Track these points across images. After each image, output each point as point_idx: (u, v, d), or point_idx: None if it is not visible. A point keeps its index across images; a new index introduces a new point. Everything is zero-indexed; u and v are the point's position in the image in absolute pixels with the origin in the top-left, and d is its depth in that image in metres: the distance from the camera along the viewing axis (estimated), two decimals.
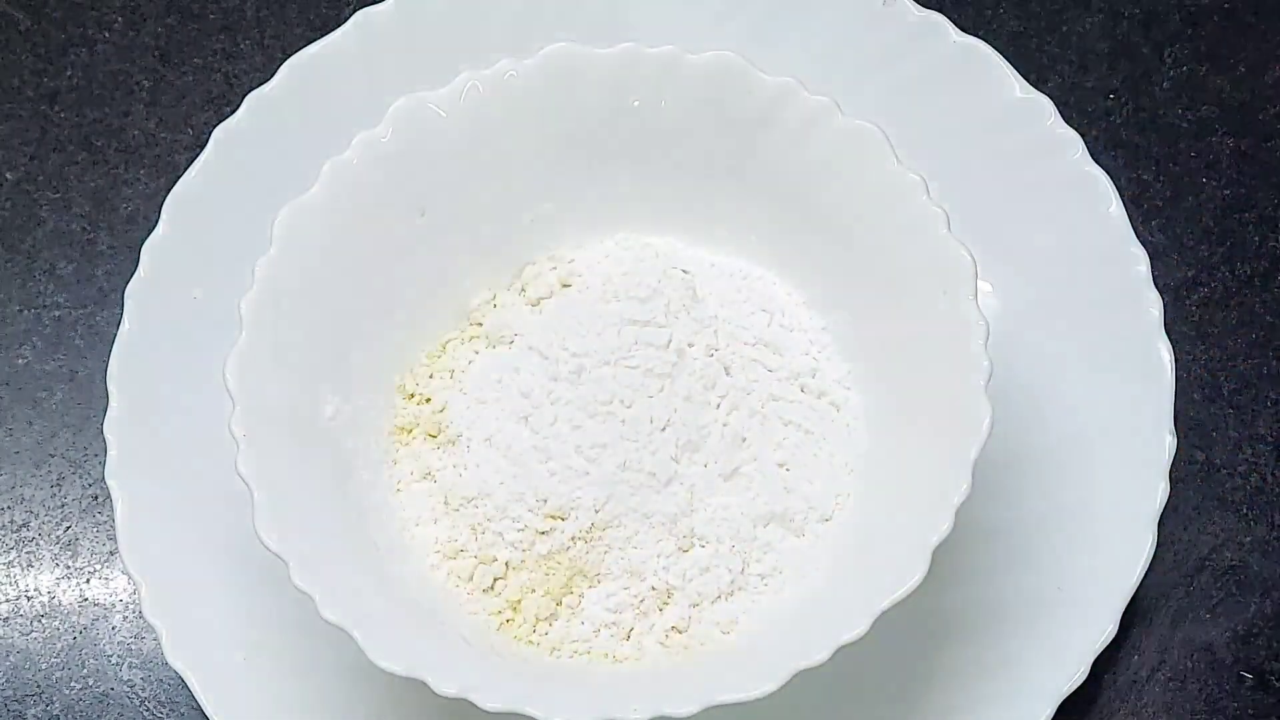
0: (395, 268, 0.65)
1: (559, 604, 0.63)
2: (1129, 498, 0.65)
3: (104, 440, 0.66)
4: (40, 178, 0.77)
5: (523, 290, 0.68)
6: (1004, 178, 0.69)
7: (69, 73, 0.79)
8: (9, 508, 0.72)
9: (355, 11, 0.71)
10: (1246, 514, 0.70)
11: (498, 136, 0.64)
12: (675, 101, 0.64)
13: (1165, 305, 0.66)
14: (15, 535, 0.72)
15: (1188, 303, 0.73)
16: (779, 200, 0.65)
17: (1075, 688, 0.63)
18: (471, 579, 0.63)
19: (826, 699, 0.64)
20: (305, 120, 0.70)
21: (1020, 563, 0.65)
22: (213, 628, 0.65)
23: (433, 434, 0.66)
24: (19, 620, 0.71)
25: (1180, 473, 0.70)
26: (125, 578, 0.71)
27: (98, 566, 0.71)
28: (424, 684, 0.55)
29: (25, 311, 0.75)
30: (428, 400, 0.66)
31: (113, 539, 0.69)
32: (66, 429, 0.73)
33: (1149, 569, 0.64)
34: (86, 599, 0.71)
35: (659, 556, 0.63)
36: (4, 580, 0.71)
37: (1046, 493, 0.66)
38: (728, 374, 0.65)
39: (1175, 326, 0.71)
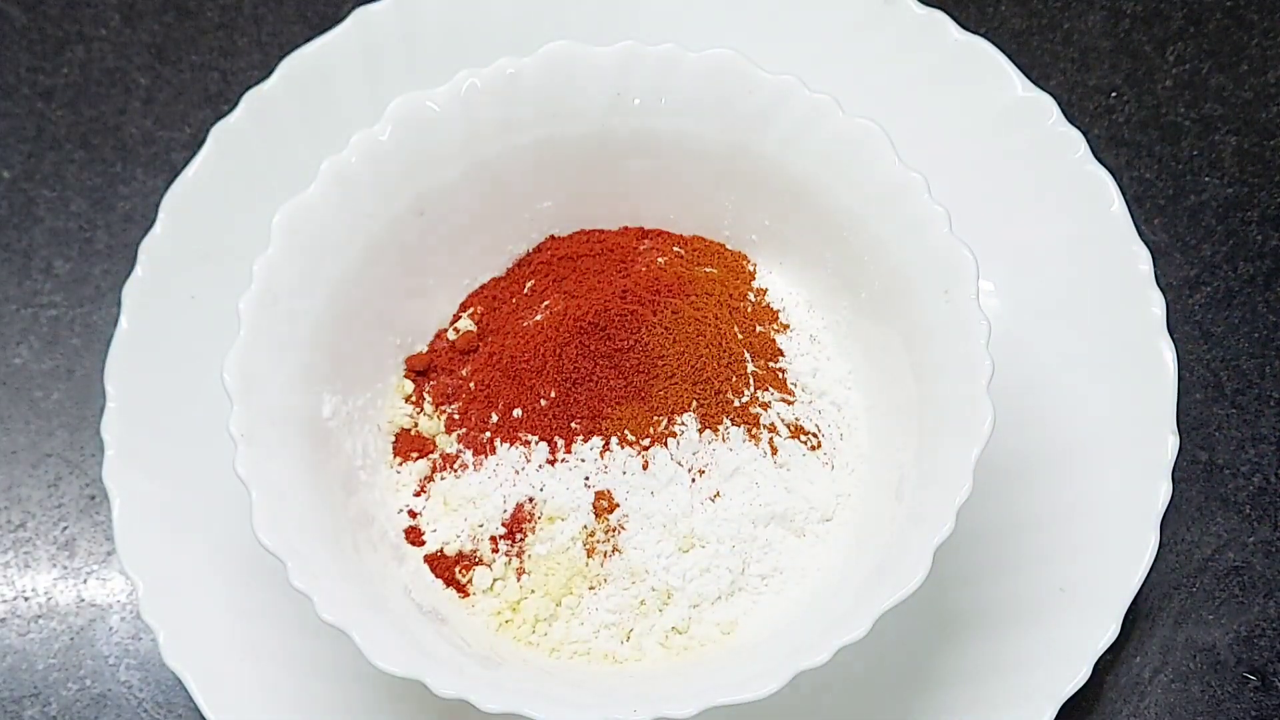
0: (394, 267, 0.64)
1: (558, 605, 0.63)
2: (1131, 498, 0.65)
3: (101, 440, 0.66)
4: (37, 176, 0.77)
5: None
6: (1006, 176, 0.69)
7: (65, 70, 0.78)
8: (6, 508, 0.72)
9: (354, 9, 0.71)
10: (1249, 514, 0.70)
11: (497, 135, 0.64)
12: (675, 100, 0.64)
13: (1167, 304, 0.66)
14: (12, 535, 0.72)
15: (1190, 302, 0.73)
16: (779, 199, 0.65)
17: (1078, 688, 0.63)
18: (471, 580, 0.63)
19: (827, 699, 0.64)
20: (303, 118, 0.70)
21: (1022, 563, 0.65)
22: (210, 628, 0.65)
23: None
24: (16, 621, 0.70)
25: (1183, 473, 0.70)
26: (123, 578, 0.70)
27: (95, 567, 0.71)
28: (423, 685, 0.55)
29: (22, 310, 0.75)
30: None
31: (110, 539, 0.68)
32: (63, 428, 0.73)
33: (1151, 569, 0.64)
34: (84, 599, 0.70)
35: (659, 557, 0.62)
36: (1, 581, 0.71)
37: (1048, 493, 0.66)
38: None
39: (1178, 325, 0.71)
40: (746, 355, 0.64)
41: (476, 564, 0.63)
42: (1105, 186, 0.68)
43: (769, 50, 0.65)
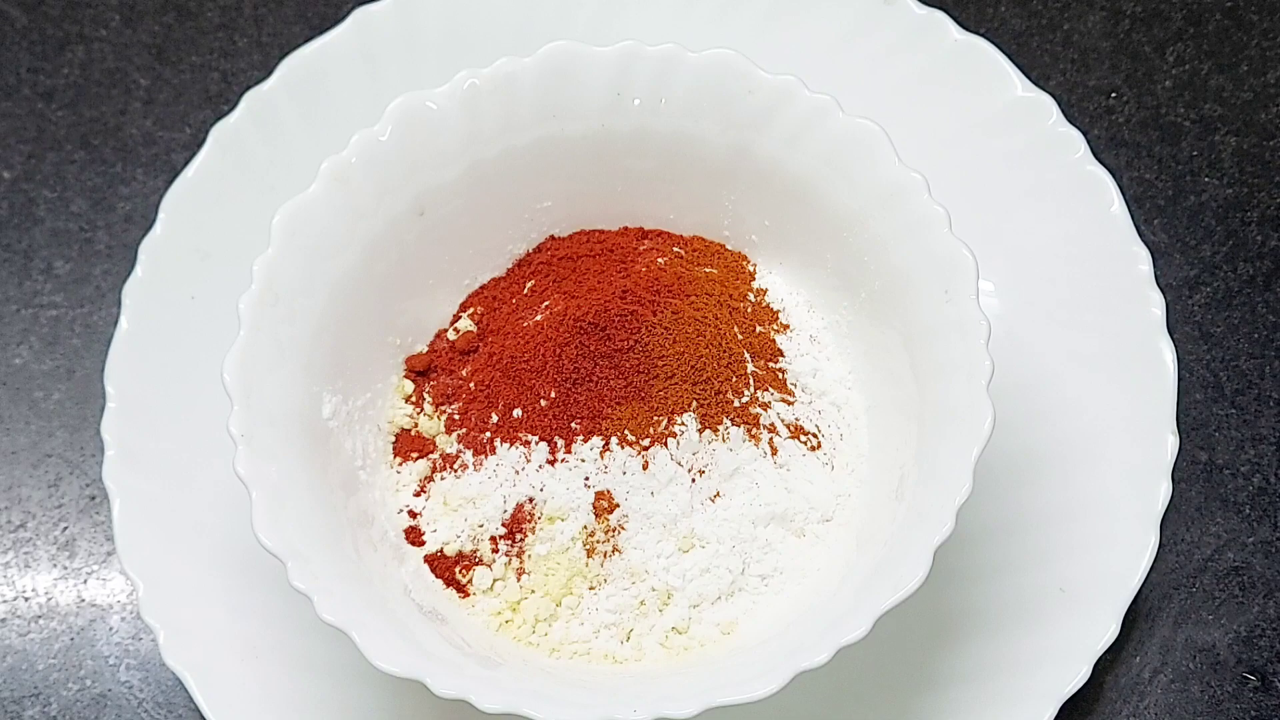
0: (394, 267, 0.64)
1: (558, 605, 0.63)
2: (1131, 498, 0.65)
3: (101, 440, 0.66)
4: (37, 176, 0.77)
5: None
6: (1006, 176, 0.69)
7: (66, 71, 0.78)
8: (6, 508, 0.72)
9: (354, 9, 0.71)
10: (1249, 515, 0.70)
11: (497, 135, 0.64)
12: (675, 100, 0.64)
13: (1167, 305, 0.66)
14: (12, 535, 0.72)
15: (1190, 302, 0.73)
16: (779, 199, 0.65)
17: (1077, 689, 0.63)
18: (471, 580, 0.63)
19: (827, 699, 0.64)
20: (303, 119, 0.70)
21: (1022, 563, 0.65)
22: (210, 628, 0.65)
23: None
24: (16, 621, 0.70)
25: (1182, 473, 0.70)
26: (123, 578, 0.70)
27: (95, 567, 0.71)
28: (422, 685, 0.55)
29: (22, 311, 0.75)
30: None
31: (110, 539, 0.68)
32: (64, 429, 0.73)
33: (1151, 569, 0.64)
34: (84, 600, 0.70)
35: (659, 557, 0.62)
36: (1, 581, 0.71)
37: (1048, 493, 0.66)
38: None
39: (1177, 326, 0.71)
40: (746, 355, 0.64)
41: (476, 564, 0.63)
42: (1105, 187, 0.68)
43: (769, 50, 0.65)
